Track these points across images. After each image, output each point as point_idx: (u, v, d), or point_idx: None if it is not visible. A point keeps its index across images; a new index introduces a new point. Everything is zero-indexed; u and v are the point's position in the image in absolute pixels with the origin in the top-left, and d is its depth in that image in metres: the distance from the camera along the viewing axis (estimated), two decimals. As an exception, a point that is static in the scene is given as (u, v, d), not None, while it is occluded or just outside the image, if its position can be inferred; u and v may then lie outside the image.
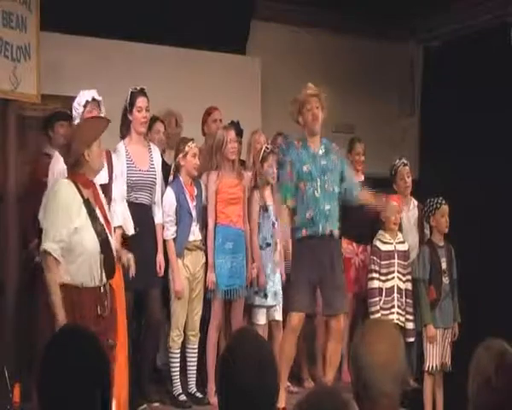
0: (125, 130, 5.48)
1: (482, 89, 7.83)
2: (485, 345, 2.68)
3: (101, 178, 4.88)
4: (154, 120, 5.94)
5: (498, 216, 7.59)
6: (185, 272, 5.53)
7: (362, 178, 6.75)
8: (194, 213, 5.59)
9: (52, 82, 6.29)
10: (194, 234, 5.61)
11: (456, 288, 6.30)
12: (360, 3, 7.91)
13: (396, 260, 6.14)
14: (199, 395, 5.62)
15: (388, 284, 6.11)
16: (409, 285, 6.18)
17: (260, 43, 8.11)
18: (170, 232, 5.54)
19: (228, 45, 7.70)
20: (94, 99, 5.14)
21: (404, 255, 6.20)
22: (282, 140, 6.25)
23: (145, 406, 5.34)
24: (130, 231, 5.09)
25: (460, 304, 6.31)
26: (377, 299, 6.10)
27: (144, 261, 5.09)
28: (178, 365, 5.59)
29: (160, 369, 6.05)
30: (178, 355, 5.58)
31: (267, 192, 5.95)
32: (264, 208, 5.89)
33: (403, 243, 6.23)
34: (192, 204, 5.60)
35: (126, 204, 5.16)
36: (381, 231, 6.22)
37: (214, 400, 5.29)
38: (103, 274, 4.17)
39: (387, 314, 6.03)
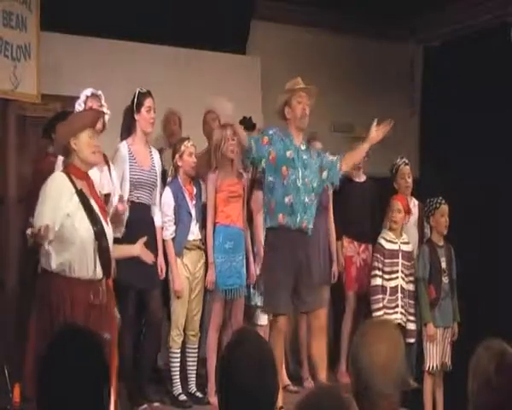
0: (129, 130, 5.49)
1: (482, 89, 7.82)
2: (484, 345, 2.68)
3: (105, 187, 4.90)
4: None
5: (498, 216, 7.58)
6: (185, 271, 5.54)
7: (364, 178, 6.75)
8: (193, 212, 5.60)
9: (52, 82, 6.29)
10: (194, 233, 5.61)
11: (455, 287, 6.29)
12: (360, 3, 7.91)
13: (400, 260, 6.13)
14: (199, 394, 5.62)
15: (392, 284, 6.11)
16: (411, 286, 6.18)
17: (260, 42, 8.11)
18: (169, 232, 5.54)
19: (228, 45, 7.70)
20: (93, 94, 5.16)
21: (409, 256, 6.20)
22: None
23: (145, 405, 5.34)
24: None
25: (460, 304, 6.30)
26: (380, 297, 6.09)
27: (144, 261, 5.08)
28: (179, 364, 5.59)
29: (160, 369, 6.06)
30: (178, 355, 5.58)
31: None
32: None
33: (407, 243, 6.23)
34: (191, 203, 5.60)
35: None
36: (385, 230, 6.23)
37: (214, 399, 5.29)
38: (98, 264, 4.16)
39: (391, 313, 6.02)
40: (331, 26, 8.45)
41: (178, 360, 5.59)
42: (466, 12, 8.14)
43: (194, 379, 5.67)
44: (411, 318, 6.15)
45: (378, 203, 6.65)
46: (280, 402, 5.01)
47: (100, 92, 5.22)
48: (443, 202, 6.22)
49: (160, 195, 5.57)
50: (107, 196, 4.87)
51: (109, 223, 4.36)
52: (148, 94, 5.48)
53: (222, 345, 5.65)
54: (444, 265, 6.18)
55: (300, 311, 5.40)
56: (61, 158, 4.69)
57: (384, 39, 8.75)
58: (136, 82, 5.71)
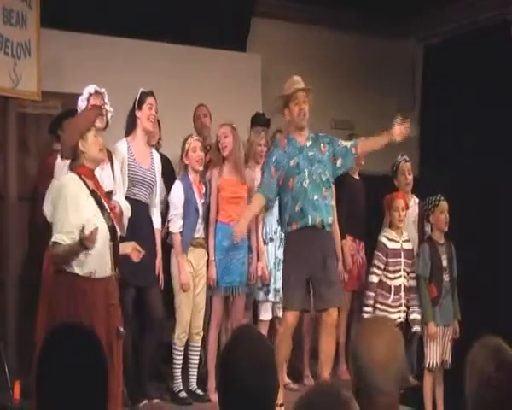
0: (131, 127, 5.50)
1: (482, 86, 7.82)
2: (480, 343, 2.67)
3: (107, 185, 4.91)
4: None
5: (498, 214, 7.58)
6: (188, 267, 5.54)
7: (358, 176, 6.74)
8: (200, 210, 5.61)
9: (52, 79, 6.29)
10: (199, 231, 5.62)
11: (456, 285, 6.30)
12: (361, 1, 7.91)
13: (403, 259, 6.13)
14: (199, 392, 5.63)
15: (396, 282, 6.10)
16: (412, 282, 6.18)
17: (261, 40, 8.10)
18: (177, 226, 5.54)
19: (228, 42, 7.69)
20: (96, 92, 5.17)
21: (410, 254, 6.19)
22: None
23: (145, 402, 5.35)
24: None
25: (460, 302, 6.31)
26: (372, 294, 6.09)
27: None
28: (181, 362, 5.59)
29: (160, 366, 6.06)
30: (182, 353, 5.58)
31: None
32: None
33: (408, 241, 6.22)
34: (200, 202, 5.61)
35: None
36: (386, 228, 6.22)
37: (214, 397, 5.30)
38: (113, 262, 4.21)
39: (395, 312, 6.02)
40: (332, 24, 8.45)
41: (181, 357, 5.59)
42: (466, 10, 8.14)
43: (195, 377, 5.68)
44: (415, 309, 6.14)
45: (370, 201, 6.65)
46: (280, 399, 5.02)
47: (103, 90, 5.23)
48: (442, 198, 6.22)
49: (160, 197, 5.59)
50: (109, 193, 4.88)
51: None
52: (151, 94, 5.50)
53: (221, 342, 5.67)
54: (445, 263, 6.18)
55: (317, 309, 5.37)
56: (59, 158, 4.69)
57: (384, 37, 8.75)
58: (137, 79, 5.72)
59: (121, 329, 4.23)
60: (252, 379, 2.30)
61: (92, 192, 4.20)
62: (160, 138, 6.10)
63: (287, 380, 5.98)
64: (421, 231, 6.52)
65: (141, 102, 5.45)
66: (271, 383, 2.37)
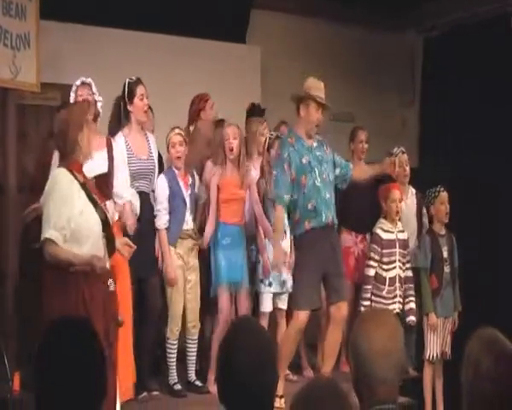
0: (119, 121, 5.45)
1: (482, 79, 7.81)
2: (476, 335, 2.66)
3: (100, 167, 4.90)
4: None
5: (498, 206, 7.59)
6: (179, 260, 5.53)
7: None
8: (188, 201, 5.58)
9: (52, 70, 6.28)
10: (188, 223, 5.59)
11: (457, 277, 6.30)
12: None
13: (397, 250, 6.12)
14: (198, 383, 5.63)
15: (391, 274, 6.09)
16: (408, 273, 6.18)
17: (260, 31, 8.10)
18: (162, 221, 5.50)
19: (228, 34, 7.68)
20: (83, 83, 5.15)
21: (404, 244, 6.19)
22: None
23: (145, 394, 5.35)
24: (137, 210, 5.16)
25: (460, 293, 6.31)
26: (370, 287, 6.09)
27: (144, 249, 5.09)
28: (175, 355, 5.57)
29: (158, 358, 6.06)
30: (176, 346, 5.57)
31: None
32: None
33: (402, 231, 6.22)
34: (187, 193, 5.58)
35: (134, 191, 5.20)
36: (381, 220, 6.21)
37: (214, 388, 5.29)
38: (106, 253, 4.21)
39: (390, 304, 6.02)
40: (331, 16, 8.44)
41: (175, 350, 5.57)
42: (466, 2, 8.12)
43: (194, 369, 5.68)
44: (412, 299, 6.13)
45: (373, 194, 6.64)
46: (280, 391, 5.03)
47: (89, 80, 5.18)
48: (442, 189, 6.23)
49: None
50: (102, 176, 4.87)
51: (107, 206, 4.40)
52: (139, 81, 5.44)
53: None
54: (445, 254, 6.18)
55: (332, 301, 5.37)
56: (57, 153, 4.67)
57: (384, 29, 8.74)
58: (136, 71, 5.69)
59: (119, 318, 4.25)
60: (251, 371, 2.30)
61: (83, 185, 4.17)
62: (152, 130, 5.98)
63: (286, 371, 5.97)
64: (420, 223, 6.52)
65: (131, 94, 5.40)
66: (271, 375, 2.37)
